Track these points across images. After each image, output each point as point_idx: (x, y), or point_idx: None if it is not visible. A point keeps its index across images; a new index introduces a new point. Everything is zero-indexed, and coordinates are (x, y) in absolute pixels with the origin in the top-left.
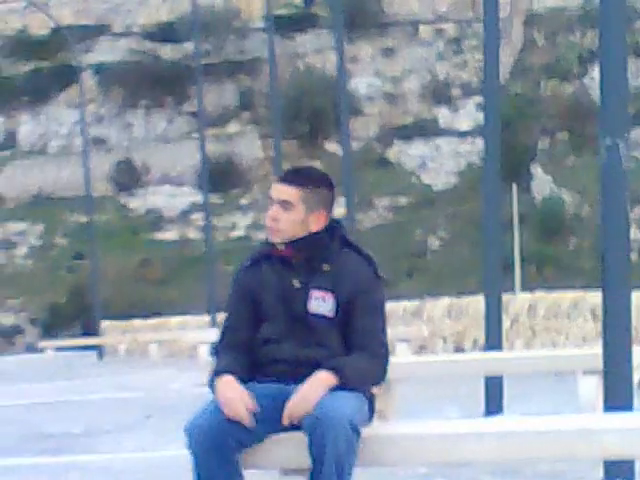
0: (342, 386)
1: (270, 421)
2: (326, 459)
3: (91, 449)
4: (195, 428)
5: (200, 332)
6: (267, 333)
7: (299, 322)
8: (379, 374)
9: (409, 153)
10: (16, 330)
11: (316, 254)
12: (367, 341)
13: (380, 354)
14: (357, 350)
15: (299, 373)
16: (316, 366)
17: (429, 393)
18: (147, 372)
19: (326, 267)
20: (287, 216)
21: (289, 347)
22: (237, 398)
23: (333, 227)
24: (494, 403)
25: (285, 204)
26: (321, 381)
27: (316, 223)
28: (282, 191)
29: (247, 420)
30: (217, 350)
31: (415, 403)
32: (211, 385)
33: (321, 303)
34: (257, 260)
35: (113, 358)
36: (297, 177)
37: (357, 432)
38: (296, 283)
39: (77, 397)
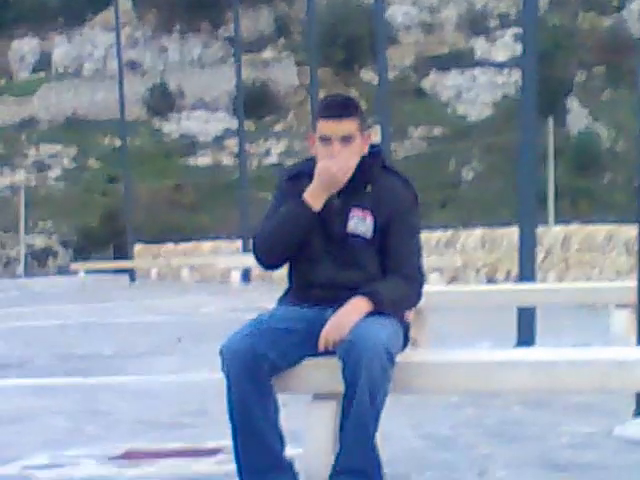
0: (377, 311)
1: (305, 345)
2: (360, 384)
3: (122, 371)
4: (230, 351)
5: (232, 257)
6: (303, 253)
7: (337, 242)
8: (413, 297)
9: (445, 83)
10: (48, 252)
11: (359, 176)
12: (402, 264)
13: (415, 277)
14: (392, 273)
15: (336, 297)
16: (353, 290)
17: (461, 323)
18: (179, 296)
19: (368, 188)
20: (350, 151)
21: (326, 269)
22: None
23: (374, 150)
24: (526, 335)
25: (346, 138)
26: (357, 307)
27: (365, 145)
28: (341, 127)
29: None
30: (254, 251)
31: (447, 333)
32: (254, 249)
33: (360, 222)
34: (299, 174)
35: (145, 282)
36: (348, 108)
37: (392, 359)
38: (336, 203)
39: (108, 319)
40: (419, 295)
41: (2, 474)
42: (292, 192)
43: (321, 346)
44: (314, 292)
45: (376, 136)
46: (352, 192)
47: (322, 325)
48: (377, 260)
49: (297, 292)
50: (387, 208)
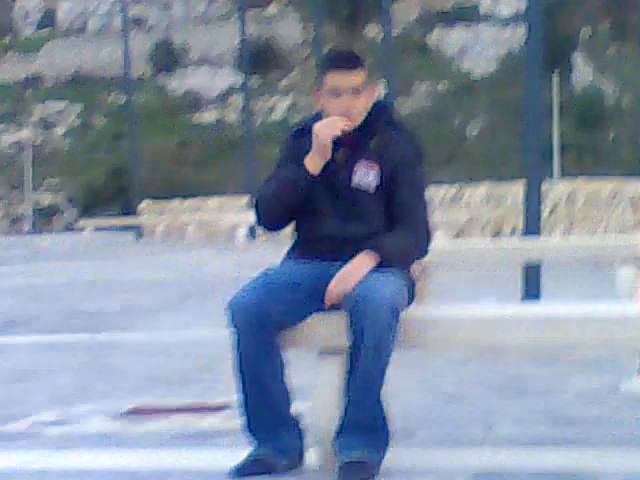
0: (383, 265)
1: (312, 301)
2: (365, 341)
3: (129, 328)
4: (237, 305)
5: (238, 214)
6: (310, 208)
7: (342, 196)
8: (420, 250)
9: (449, 39)
10: (55, 209)
11: (365, 130)
12: (408, 217)
13: (421, 229)
14: (398, 226)
15: (342, 250)
16: (359, 243)
17: (467, 279)
18: (185, 252)
19: (373, 141)
20: (359, 102)
21: (332, 223)
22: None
23: (381, 104)
24: (532, 290)
25: (357, 89)
26: (363, 261)
27: (370, 98)
28: (351, 79)
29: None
30: (257, 199)
31: (453, 289)
32: (256, 206)
33: (365, 176)
34: (305, 129)
35: (151, 238)
36: (354, 60)
37: (397, 315)
38: (340, 156)
39: (115, 276)
40: (426, 248)
41: (11, 430)
42: (295, 149)
43: (327, 301)
44: (320, 246)
45: (381, 91)
46: (357, 146)
47: (328, 280)
48: (383, 213)
49: (303, 246)
50: (392, 161)
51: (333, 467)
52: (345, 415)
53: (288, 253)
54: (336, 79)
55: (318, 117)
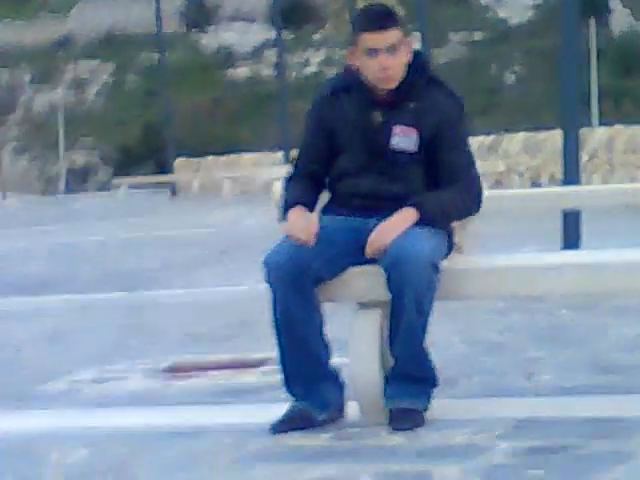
0: (425, 222)
1: (349, 255)
2: (405, 298)
3: (166, 285)
4: (273, 261)
5: (273, 169)
6: (345, 166)
7: (380, 157)
8: (473, 206)
9: None
10: (88, 169)
11: (403, 92)
12: (455, 174)
13: (470, 185)
14: (447, 185)
15: (379, 207)
16: (396, 201)
17: (505, 228)
18: (221, 209)
19: (411, 104)
20: (397, 60)
21: (368, 181)
22: (299, 222)
23: (418, 63)
24: (571, 238)
25: (393, 48)
26: (404, 216)
27: (409, 53)
28: (387, 37)
29: (310, 241)
30: (288, 181)
31: (492, 238)
32: (281, 218)
33: (403, 139)
34: (336, 91)
35: (186, 195)
36: (390, 18)
37: (437, 270)
38: (378, 117)
39: (150, 234)
40: (478, 203)
41: (51, 389)
42: (323, 120)
43: (368, 253)
44: (356, 202)
45: (416, 43)
46: (395, 109)
47: (365, 234)
48: (422, 174)
49: (339, 202)
50: (433, 121)
51: (372, 420)
52: (393, 368)
53: (323, 209)
54: (371, 40)
55: (349, 73)
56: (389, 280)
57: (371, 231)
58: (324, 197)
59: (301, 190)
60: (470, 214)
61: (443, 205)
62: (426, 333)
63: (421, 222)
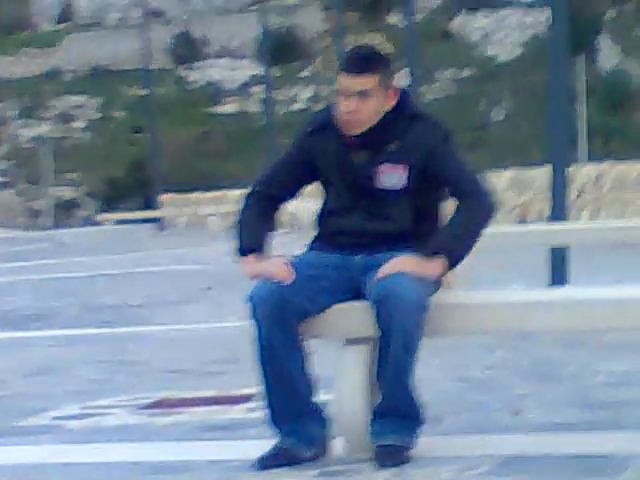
0: (453, 266)
1: (333, 290)
2: (394, 335)
3: (151, 320)
4: (257, 297)
5: None
6: (332, 204)
7: (366, 195)
8: (487, 216)
9: (473, 25)
10: (75, 203)
11: (383, 133)
12: (462, 184)
13: (480, 194)
14: (458, 198)
15: (365, 244)
16: (383, 238)
17: (494, 265)
18: (207, 245)
19: (393, 145)
20: (367, 106)
21: (355, 219)
22: (269, 265)
23: (402, 100)
24: (559, 275)
25: (364, 94)
26: (432, 267)
27: (389, 102)
28: (359, 82)
29: (288, 279)
30: (248, 198)
31: (480, 274)
32: (236, 252)
33: (390, 177)
34: (318, 127)
35: (173, 231)
36: (369, 62)
37: (425, 309)
38: (360, 158)
39: (137, 269)
40: (492, 207)
41: (33, 424)
42: (306, 150)
43: (380, 273)
44: (343, 239)
45: (405, 79)
46: (378, 149)
47: (351, 271)
48: (410, 209)
49: (325, 239)
50: (421, 153)
51: (358, 456)
52: (380, 405)
53: (310, 245)
54: (344, 82)
55: (330, 113)
56: (377, 317)
57: (355, 267)
58: (310, 233)
59: (258, 225)
60: (488, 224)
61: (462, 240)
62: (414, 370)
63: (450, 267)
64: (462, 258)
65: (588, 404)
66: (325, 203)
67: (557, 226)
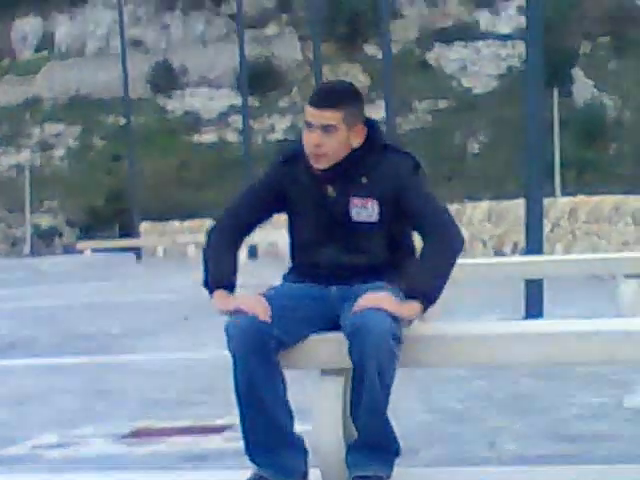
0: (428, 306)
1: (310, 321)
2: (367, 367)
3: (129, 350)
4: (234, 328)
5: None
6: (305, 237)
7: (340, 228)
8: (454, 252)
9: (449, 56)
10: (54, 232)
11: (352, 169)
12: (429, 220)
13: (448, 229)
14: (424, 233)
15: (340, 276)
16: (357, 271)
17: (469, 296)
18: (185, 274)
19: (363, 179)
20: (331, 140)
21: (330, 253)
22: (245, 300)
23: (371, 135)
24: (534, 307)
25: (328, 128)
26: (407, 309)
27: (356, 138)
28: (323, 116)
29: (266, 317)
30: (212, 232)
31: (455, 306)
32: (205, 284)
33: (362, 210)
34: (292, 158)
35: (151, 260)
36: (334, 98)
37: (399, 340)
38: (333, 192)
39: (115, 298)
40: (460, 243)
41: (12, 454)
42: (276, 181)
43: (358, 304)
44: (318, 271)
45: (380, 111)
46: (348, 183)
47: (325, 302)
48: (384, 242)
49: (300, 270)
50: (389, 187)
51: None
52: (355, 436)
53: (285, 276)
54: (308, 114)
55: (301, 146)
56: (350, 349)
57: (331, 298)
58: (284, 265)
59: (225, 258)
60: (456, 260)
61: (435, 281)
62: (388, 402)
63: (425, 309)
64: (436, 299)
65: (562, 436)
66: (294, 236)
67: (532, 258)
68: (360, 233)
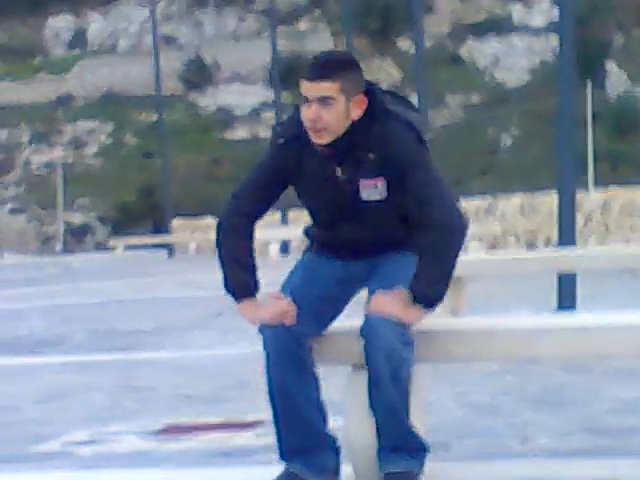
0: (432, 306)
1: (336, 303)
2: (381, 375)
3: (161, 346)
4: (269, 329)
5: (270, 230)
6: (320, 218)
7: (351, 209)
8: (457, 245)
9: (482, 50)
10: (86, 229)
11: (358, 144)
12: (431, 211)
13: (449, 221)
14: (428, 224)
15: (361, 251)
16: (374, 244)
17: (501, 291)
18: (217, 270)
19: (371, 155)
20: (329, 113)
21: (344, 231)
22: (270, 311)
23: (372, 102)
24: (567, 300)
25: (325, 100)
26: (410, 314)
27: (357, 109)
28: (319, 88)
29: (290, 320)
30: (221, 224)
31: (487, 300)
32: (227, 289)
33: (372, 190)
34: (294, 140)
35: (183, 256)
36: (330, 68)
37: (408, 344)
38: (340, 173)
39: (147, 295)
40: (462, 232)
41: (43, 451)
42: (282, 162)
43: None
44: (337, 247)
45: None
46: (356, 163)
47: (352, 278)
48: (395, 215)
49: (319, 247)
50: (396, 162)
51: None
52: (379, 438)
53: (305, 252)
54: (304, 88)
55: (296, 123)
56: (364, 351)
57: (354, 273)
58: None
59: (243, 259)
60: (460, 250)
61: (439, 282)
62: (407, 403)
63: (432, 310)
64: (440, 301)
65: (595, 430)
66: (313, 219)
67: (565, 252)
68: (371, 209)
